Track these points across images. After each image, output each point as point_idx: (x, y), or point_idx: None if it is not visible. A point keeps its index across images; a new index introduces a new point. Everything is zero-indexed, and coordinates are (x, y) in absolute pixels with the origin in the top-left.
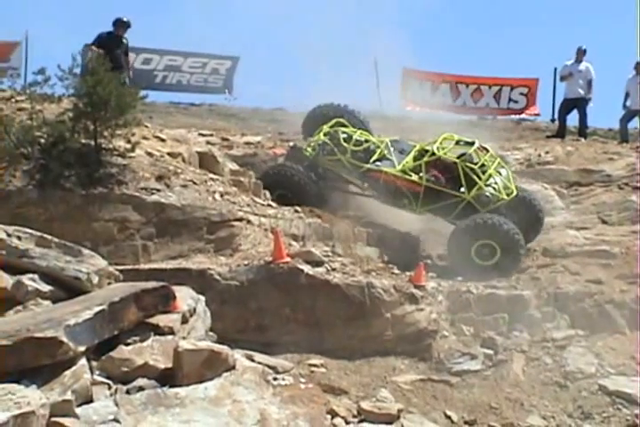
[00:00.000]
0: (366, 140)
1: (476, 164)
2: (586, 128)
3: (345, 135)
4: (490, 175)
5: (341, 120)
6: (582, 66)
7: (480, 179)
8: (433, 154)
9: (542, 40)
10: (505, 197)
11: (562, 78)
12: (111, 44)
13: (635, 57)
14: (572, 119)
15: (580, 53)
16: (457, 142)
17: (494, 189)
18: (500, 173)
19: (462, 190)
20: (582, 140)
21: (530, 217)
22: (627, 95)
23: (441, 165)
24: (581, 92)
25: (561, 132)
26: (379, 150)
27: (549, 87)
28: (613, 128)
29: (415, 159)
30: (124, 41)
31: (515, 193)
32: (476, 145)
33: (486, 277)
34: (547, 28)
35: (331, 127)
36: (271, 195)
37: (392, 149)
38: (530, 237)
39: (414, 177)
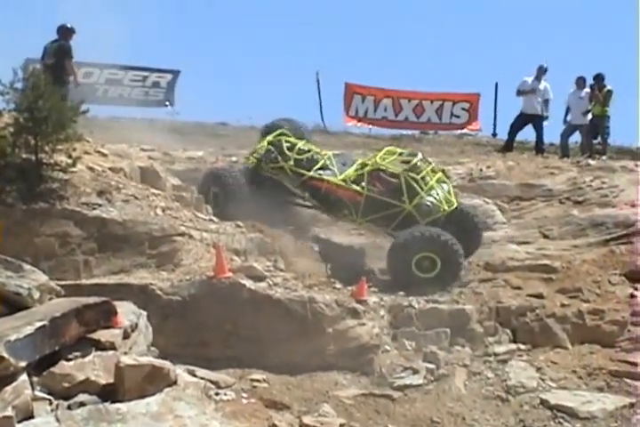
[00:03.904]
0: (309, 150)
1: (418, 173)
2: (542, 144)
3: (288, 144)
4: (431, 187)
5: (285, 131)
6: (542, 85)
7: (422, 189)
8: (375, 164)
9: (483, 55)
10: (446, 207)
11: (521, 93)
12: (63, 52)
13: (574, 72)
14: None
15: (541, 71)
16: (399, 154)
17: (435, 199)
18: (442, 187)
19: (403, 200)
20: (539, 155)
21: (469, 231)
22: (567, 110)
23: (383, 175)
24: (539, 109)
25: (509, 146)
26: (322, 160)
27: (491, 102)
28: (554, 143)
29: (357, 170)
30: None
31: (455, 205)
32: (419, 157)
33: (428, 289)
34: (487, 44)
35: (275, 137)
36: (207, 194)
37: (335, 160)
38: (469, 250)
39: (355, 187)
